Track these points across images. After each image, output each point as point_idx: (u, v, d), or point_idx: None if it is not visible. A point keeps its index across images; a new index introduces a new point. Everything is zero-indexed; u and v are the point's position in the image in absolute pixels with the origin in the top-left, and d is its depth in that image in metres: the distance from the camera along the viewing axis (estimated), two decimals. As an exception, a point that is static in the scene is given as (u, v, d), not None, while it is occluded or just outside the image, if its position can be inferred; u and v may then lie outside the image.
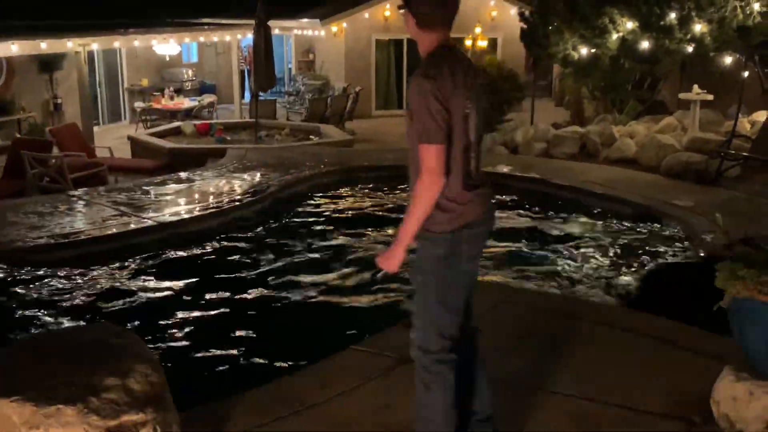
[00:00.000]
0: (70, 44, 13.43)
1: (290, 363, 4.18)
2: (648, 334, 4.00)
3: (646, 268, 6.18)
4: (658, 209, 7.46)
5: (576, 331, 4.07)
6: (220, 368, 4.47)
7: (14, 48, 12.51)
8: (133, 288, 5.71)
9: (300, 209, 8.11)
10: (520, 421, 3.10)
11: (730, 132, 10.00)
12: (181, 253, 6.50)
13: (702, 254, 6.06)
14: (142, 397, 2.43)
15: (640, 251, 6.59)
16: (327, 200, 8.53)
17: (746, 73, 10.74)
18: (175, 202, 7.74)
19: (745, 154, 9.34)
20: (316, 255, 6.62)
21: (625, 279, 5.95)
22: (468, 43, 19.12)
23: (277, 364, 4.35)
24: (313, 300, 5.64)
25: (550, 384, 3.42)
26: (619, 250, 6.68)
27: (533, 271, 6.26)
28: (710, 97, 11.42)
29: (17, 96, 15.07)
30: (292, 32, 21.29)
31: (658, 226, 7.21)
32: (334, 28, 19.88)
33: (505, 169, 9.36)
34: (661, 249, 6.62)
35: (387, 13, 19.78)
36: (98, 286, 5.72)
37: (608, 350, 3.82)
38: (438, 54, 2.73)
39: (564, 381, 3.45)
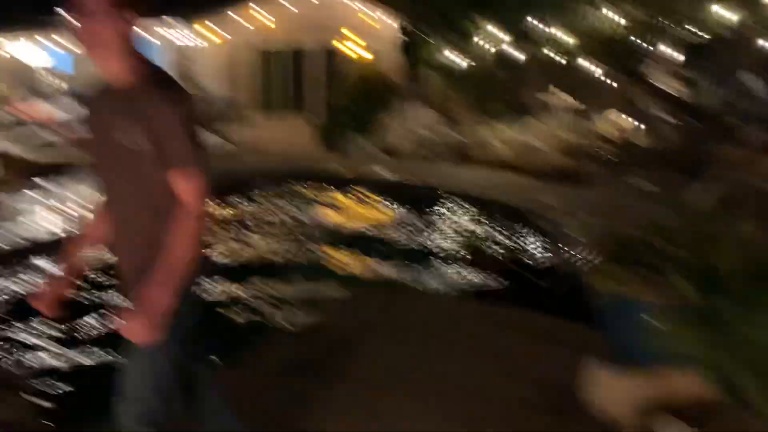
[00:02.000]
0: None
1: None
2: (521, 328, 4.16)
3: (518, 265, 6.42)
4: (528, 209, 7.76)
5: (452, 327, 4.18)
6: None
7: None
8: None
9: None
10: (393, 419, 3.14)
11: (597, 135, 10.50)
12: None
13: (568, 251, 6.36)
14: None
15: (511, 247, 6.85)
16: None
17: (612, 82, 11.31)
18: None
19: (610, 156, 9.83)
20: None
21: (496, 276, 6.15)
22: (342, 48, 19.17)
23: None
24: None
25: (424, 381, 3.49)
26: (492, 246, 6.91)
27: (406, 266, 6.38)
28: (581, 106, 11.95)
29: None
30: (164, 36, 20.62)
31: (527, 225, 7.50)
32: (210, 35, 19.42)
33: (378, 170, 9.46)
34: (530, 245, 6.91)
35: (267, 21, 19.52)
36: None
37: (483, 344, 3.94)
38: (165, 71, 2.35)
39: (440, 376, 3.53)
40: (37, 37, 16.04)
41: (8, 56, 16.91)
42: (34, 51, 15.94)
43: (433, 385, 3.45)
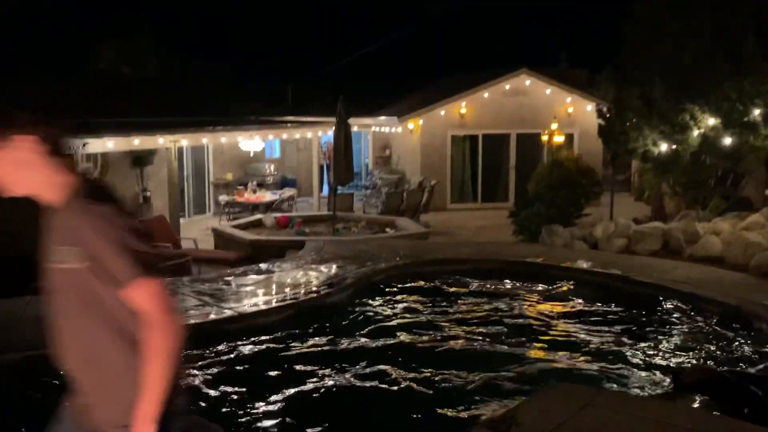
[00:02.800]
0: (161, 140, 14.19)
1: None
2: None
3: (736, 370, 5.87)
4: (748, 309, 7.14)
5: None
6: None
7: (110, 144, 13.29)
8: (214, 376, 5.78)
9: (375, 301, 8.12)
10: None
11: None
12: (258, 344, 6.57)
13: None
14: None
15: (732, 354, 6.28)
16: (402, 292, 8.52)
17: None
18: (254, 293, 7.88)
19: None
20: (390, 353, 6.56)
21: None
22: (544, 138, 19.27)
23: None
24: (389, 396, 5.56)
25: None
26: (711, 353, 6.39)
27: (618, 370, 6.04)
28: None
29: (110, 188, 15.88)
30: (371, 129, 21.92)
31: (749, 327, 6.88)
32: (411, 125, 20.39)
33: (585, 265, 9.19)
34: (754, 352, 6.30)
35: (463, 111, 20.20)
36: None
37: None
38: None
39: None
40: (265, 133, 17.71)
41: (236, 147, 18.77)
42: (253, 142, 17.57)
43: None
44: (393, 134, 21.80)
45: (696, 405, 5.08)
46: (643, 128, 12.94)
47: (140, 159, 16.51)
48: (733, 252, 10.15)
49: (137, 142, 13.81)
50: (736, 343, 6.59)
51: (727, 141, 11.75)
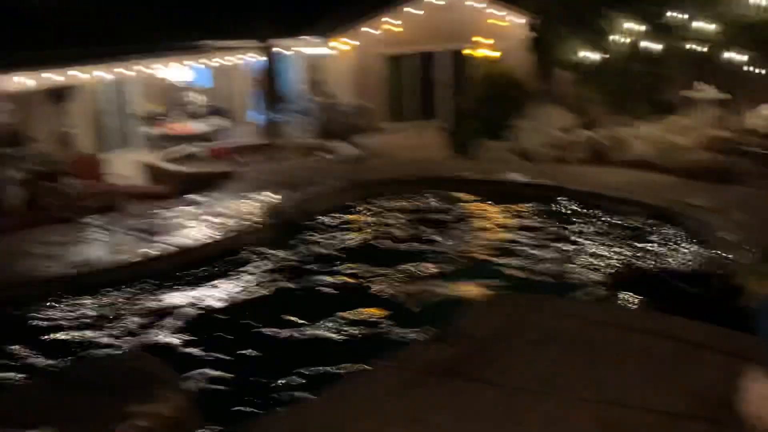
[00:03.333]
0: (78, 73, 13.54)
1: (317, 381, 4.20)
2: (667, 335, 3.97)
3: (665, 267, 6.15)
4: (676, 210, 7.42)
5: (598, 336, 4.05)
6: (247, 389, 4.48)
7: (29, 83, 12.63)
8: (157, 310, 5.75)
9: (312, 225, 8.13)
10: (545, 426, 3.08)
11: (744, 129, 9.93)
12: (198, 275, 6.54)
13: (720, 253, 6.03)
14: (172, 424, 2.45)
15: (662, 253, 6.57)
16: (341, 217, 8.54)
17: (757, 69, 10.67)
18: (188, 226, 7.78)
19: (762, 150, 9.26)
20: (332, 274, 6.63)
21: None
22: (476, 53, 19.16)
23: (305, 382, 4.38)
24: (332, 317, 5.65)
25: (576, 391, 3.41)
26: (643, 253, 6.66)
27: (553, 274, 6.26)
28: (727, 96, 11.27)
29: (29, 127, 15.22)
30: (300, 51, 21.40)
31: (678, 226, 7.17)
32: (342, 46, 19.98)
33: (518, 177, 9.35)
34: (679, 249, 6.59)
35: (395, 29, 19.85)
36: (123, 311, 5.76)
37: (630, 353, 3.79)
38: None
39: (589, 387, 3.43)
40: (184, 60, 17.04)
41: (159, 78, 18.10)
42: (178, 70, 16.89)
43: (580, 392, 3.36)
44: (324, 56, 21.35)
45: (630, 305, 5.33)
46: (570, 38, 13.03)
47: (59, 94, 15.79)
48: (660, 155, 10.45)
49: (57, 77, 13.17)
50: (666, 242, 6.87)
51: (655, 47, 11.92)
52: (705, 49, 11.55)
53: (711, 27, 11.31)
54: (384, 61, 20.11)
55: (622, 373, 3.56)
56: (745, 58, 11.38)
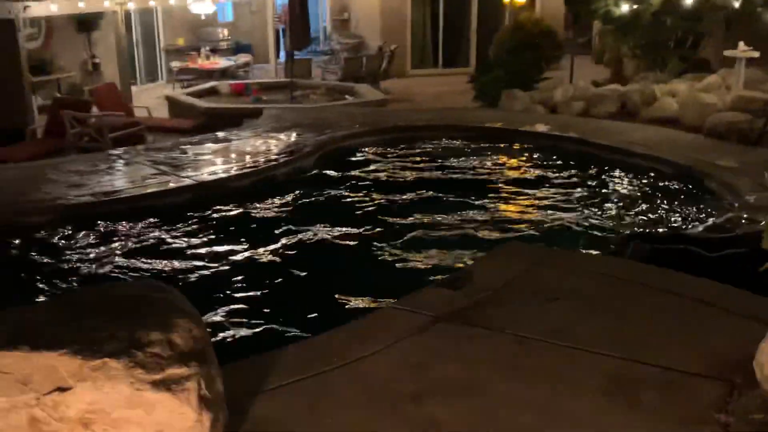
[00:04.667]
0: (108, 3, 13.47)
1: (329, 321, 4.23)
2: (686, 295, 3.95)
3: (687, 229, 6.09)
4: (700, 170, 7.31)
5: (613, 292, 4.03)
6: (260, 324, 4.54)
7: (53, 8, 12.59)
8: (174, 246, 5.80)
9: (335, 168, 8.13)
10: (556, 381, 3.10)
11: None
12: (219, 212, 6.57)
13: (745, 216, 5.94)
14: (185, 352, 2.47)
15: (681, 212, 6.49)
16: (362, 161, 8.52)
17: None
18: (213, 162, 7.79)
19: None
20: (351, 215, 6.65)
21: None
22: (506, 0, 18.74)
23: (317, 321, 4.42)
24: (351, 259, 5.69)
25: (586, 344, 3.41)
26: (660, 212, 6.58)
27: (569, 230, 6.22)
28: (756, 54, 11.05)
29: (56, 56, 15.22)
30: (327, -10, 21.08)
31: (701, 187, 7.07)
32: (368, -14, 19.63)
33: (542, 129, 9.23)
34: (703, 210, 6.51)
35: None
36: (140, 244, 5.82)
37: (645, 311, 3.78)
38: None
39: (600, 341, 3.43)
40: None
41: (185, 11, 17.92)
42: (203, 3, 16.74)
43: (590, 345, 3.36)
44: (351, -4, 21.01)
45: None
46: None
47: (85, 24, 15.71)
48: (689, 113, 10.26)
49: (82, 4, 13.10)
50: (686, 203, 6.79)
51: (688, 1, 11.59)
52: (738, 4, 11.23)
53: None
54: (412, 4, 19.78)
55: (636, 329, 3.55)
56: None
